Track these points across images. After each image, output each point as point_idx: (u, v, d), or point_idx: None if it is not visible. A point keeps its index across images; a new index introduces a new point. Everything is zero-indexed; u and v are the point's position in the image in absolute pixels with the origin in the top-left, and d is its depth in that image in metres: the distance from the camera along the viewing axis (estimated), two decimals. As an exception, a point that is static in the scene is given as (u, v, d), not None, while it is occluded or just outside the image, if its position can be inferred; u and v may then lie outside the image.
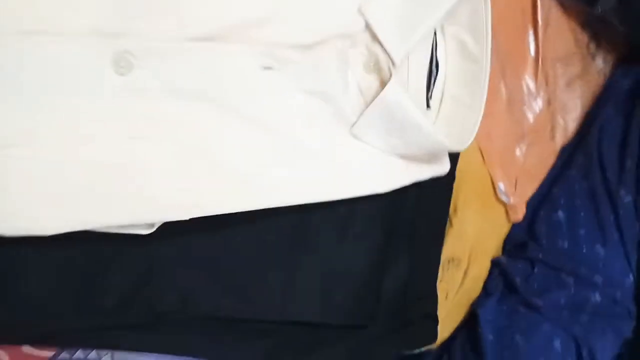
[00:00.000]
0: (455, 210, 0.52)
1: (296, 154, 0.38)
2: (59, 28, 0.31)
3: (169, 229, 0.35)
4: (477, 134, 0.50)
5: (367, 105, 0.39)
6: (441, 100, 0.43)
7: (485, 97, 0.41)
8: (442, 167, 0.43)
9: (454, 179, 0.50)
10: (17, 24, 0.31)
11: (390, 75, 0.38)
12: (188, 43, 0.33)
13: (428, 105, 0.43)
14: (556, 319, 0.50)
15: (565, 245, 0.52)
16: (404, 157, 0.41)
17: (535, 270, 0.52)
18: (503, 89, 0.54)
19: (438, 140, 0.39)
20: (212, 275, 0.40)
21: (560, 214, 0.53)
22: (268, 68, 0.35)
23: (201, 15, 0.33)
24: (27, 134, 0.32)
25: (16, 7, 0.30)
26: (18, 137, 0.32)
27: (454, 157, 0.48)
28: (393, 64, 0.38)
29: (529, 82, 0.54)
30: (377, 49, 0.39)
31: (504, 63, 0.53)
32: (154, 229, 0.34)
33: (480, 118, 0.40)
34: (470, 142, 0.40)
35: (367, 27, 0.38)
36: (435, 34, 0.42)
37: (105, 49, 0.32)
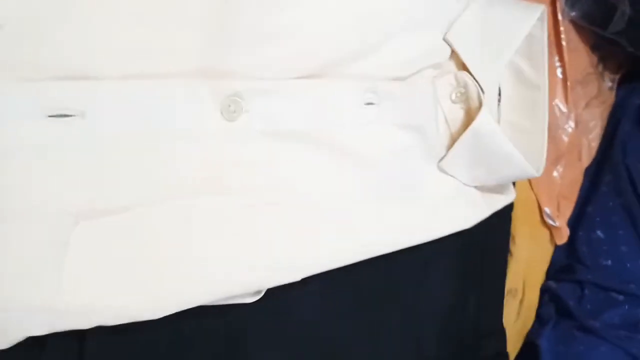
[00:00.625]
0: (513, 240, 0.51)
1: (397, 192, 0.36)
2: (164, 69, 0.28)
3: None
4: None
5: (452, 136, 0.38)
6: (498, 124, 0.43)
7: (547, 122, 0.41)
8: (510, 196, 0.43)
9: (512, 208, 0.48)
10: (122, 68, 0.27)
11: (480, 104, 0.37)
12: (294, 81, 0.31)
13: None
14: (614, 339, 0.50)
15: (609, 263, 0.53)
16: (480, 188, 0.40)
17: (586, 291, 0.52)
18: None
19: (525, 166, 0.37)
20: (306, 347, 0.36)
21: (599, 232, 0.54)
22: (370, 104, 0.33)
23: (305, 50, 0.31)
24: (129, 201, 0.28)
25: (119, 48, 0.27)
26: (119, 202, 0.28)
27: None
28: (482, 91, 0.37)
29: (560, 104, 0.54)
30: (464, 76, 0.38)
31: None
32: (260, 295, 0.30)
33: (545, 142, 0.40)
34: (543, 167, 0.39)
35: (453, 55, 0.37)
36: None
37: (214, 92, 0.29)
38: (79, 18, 0.26)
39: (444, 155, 0.37)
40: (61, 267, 0.26)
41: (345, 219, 0.33)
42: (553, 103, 0.54)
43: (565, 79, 0.54)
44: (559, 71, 0.54)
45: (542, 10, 0.38)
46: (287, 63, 0.30)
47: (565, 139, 0.54)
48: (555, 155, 0.54)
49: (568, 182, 0.55)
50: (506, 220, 0.49)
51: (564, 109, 0.54)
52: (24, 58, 0.25)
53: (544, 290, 0.53)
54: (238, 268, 0.29)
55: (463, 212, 0.39)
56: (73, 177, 0.27)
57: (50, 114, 0.26)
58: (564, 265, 0.54)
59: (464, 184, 0.39)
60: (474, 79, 0.37)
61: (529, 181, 0.53)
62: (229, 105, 0.29)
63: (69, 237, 0.26)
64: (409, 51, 0.34)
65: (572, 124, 0.55)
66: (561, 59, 0.54)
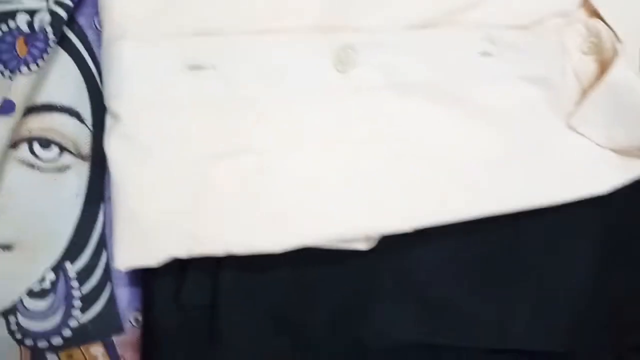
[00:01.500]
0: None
1: (521, 148, 0.36)
2: (280, 25, 0.31)
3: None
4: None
5: (584, 91, 0.37)
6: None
7: None
8: None
9: None
10: (248, 26, 0.31)
11: (615, 53, 0.36)
12: (406, 32, 0.32)
13: None
14: None
15: None
16: (619, 152, 0.38)
17: None
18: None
19: None
20: (419, 300, 0.37)
21: None
22: (487, 54, 0.34)
23: (416, 2, 0.33)
24: (256, 145, 0.31)
25: (246, 8, 0.31)
26: (247, 146, 0.31)
27: None
28: (619, 40, 0.36)
29: None
30: (598, 24, 0.36)
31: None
32: (374, 243, 0.33)
33: None
34: None
35: (585, 2, 0.36)
36: None
37: (326, 45, 0.31)
38: None
39: (574, 112, 0.37)
40: (203, 201, 0.30)
41: (467, 174, 0.34)
42: None
43: None
44: None
45: None
46: (399, 13, 0.32)
47: None
48: None
49: None
50: None
51: None
52: (168, 17, 0.30)
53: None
54: (353, 211, 0.32)
55: (597, 175, 0.38)
56: (211, 123, 0.30)
57: (189, 65, 0.30)
58: None
59: (599, 145, 0.38)
60: (609, 27, 0.36)
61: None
62: (342, 58, 0.31)
63: (210, 174, 0.30)
64: None
65: None
66: None
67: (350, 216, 0.32)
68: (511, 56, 0.34)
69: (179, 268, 0.34)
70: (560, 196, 0.37)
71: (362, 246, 0.33)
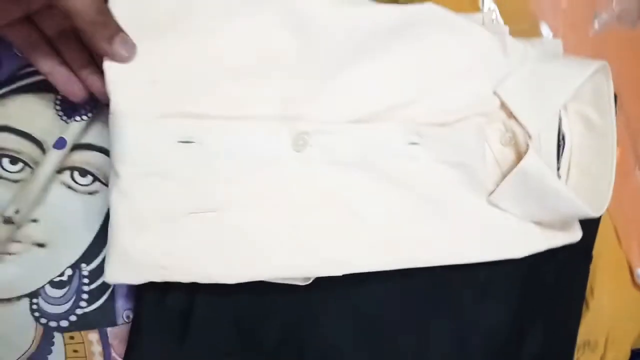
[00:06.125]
0: (591, 292, 0.52)
1: (437, 215, 0.40)
2: (250, 112, 0.36)
3: (318, 283, 0.37)
4: (614, 218, 0.51)
5: (503, 175, 0.41)
6: (568, 171, 0.45)
7: (614, 167, 0.43)
8: (574, 235, 0.44)
9: (591, 259, 0.50)
10: (227, 112, 0.35)
11: (527, 147, 0.40)
12: (348, 124, 0.37)
13: (558, 176, 0.45)
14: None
15: None
16: (539, 223, 0.43)
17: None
18: (638, 174, 0.54)
19: (577, 204, 0.40)
20: (356, 328, 0.42)
21: None
22: (414, 143, 0.39)
23: (360, 102, 0.37)
24: (223, 203, 0.36)
25: (224, 98, 0.35)
26: (215, 204, 0.36)
27: (590, 239, 0.48)
28: (530, 137, 0.41)
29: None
30: (513, 124, 0.42)
31: (639, 150, 0.54)
32: (309, 282, 0.37)
33: (610, 186, 0.42)
34: (605, 208, 0.41)
35: (503, 106, 0.41)
36: (559, 111, 0.44)
37: (286, 131, 0.36)
38: (198, 82, 0.34)
39: (495, 191, 0.41)
40: (174, 242, 0.34)
41: (391, 233, 0.38)
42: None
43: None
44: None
45: (598, 65, 0.41)
46: (344, 111, 0.37)
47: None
48: (654, 218, 0.54)
49: (672, 248, 0.55)
50: (581, 270, 0.50)
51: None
52: (164, 102, 0.33)
53: (636, 355, 0.53)
54: (292, 257, 0.36)
55: (513, 242, 0.42)
56: (188, 186, 0.34)
57: (179, 140, 0.34)
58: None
59: (518, 218, 0.42)
60: (522, 126, 0.41)
61: (620, 240, 0.54)
62: (299, 141, 0.36)
63: (182, 224, 0.34)
64: (451, 101, 0.39)
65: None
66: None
67: (291, 261, 0.36)
68: (434, 146, 0.39)
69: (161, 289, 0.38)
70: (479, 256, 0.41)
71: (301, 283, 0.38)
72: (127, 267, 0.33)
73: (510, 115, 0.41)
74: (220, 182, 0.35)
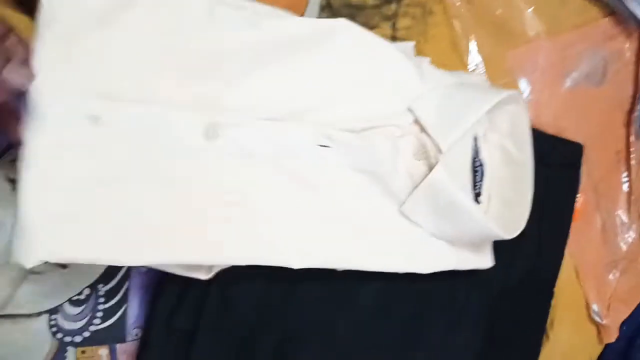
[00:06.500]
0: (552, 324, 0.57)
1: (341, 218, 0.40)
2: (164, 100, 0.36)
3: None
4: (575, 258, 0.57)
5: (415, 187, 0.41)
6: (489, 202, 0.47)
7: (531, 195, 0.44)
8: (485, 261, 0.45)
9: (552, 296, 0.55)
10: (138, 93, 0.35)
11: (437, 160, 0.41)
12: (260, 121, 0.38)
13: (478, 202, 0.46)
14: None
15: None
16: (453, 243, 0.43)
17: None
18: (598, 220, 0.61)
19: (486, 224, 0.41)
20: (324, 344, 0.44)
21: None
22: (324, 146, 0.39)
23: (271, 101, 0.38)
24: (123, 181, 0.35)
25: (137, 80, 0.36)
26: (118, 183, 0.36)
27: (552, 280, 0.53)
28: (440, 151, 0.41)
29: (622, 215, 0.60)
30: (425, 138, 0.42)
31: (599, 197, 0.60)
32: (211, 274, 0.38)
33: (526, 213, 0.43)
34: (517, 232, 0.42)
35: (416, 121, 0.42)
36: (476, 139, 0.46)
37: (200, 120, 0.36)
38: (114, 63, 0.35)
39: (404, 201, 0.41)
40: (77, 213, 0.33)
41: (296, 231, 0.38)
42: (615, 213, 0.61)
43: (630, 193, 0.61)
44: (625, 185, 0.61)
45: (509, 94, 0.43)
46: (257, 107, 0.37)
47: (624, 246, 0.61)
48: (610, 259, 0.60)
49: (628, 287, 0.60)
50: (542, 304, 0.55)
51: (626, 220, 0.61)
52: (78, 82, 0.34)
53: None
54: (194, 244, 0.36)
55: (419, 256, 0.42)
56: (99, 165, 0.34)
57: (88, 117, 0.34)
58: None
59: (431, 234, 0.42)
60: (434, 141, 0.42)
61: (579, 278, 0.60)
62: (209, 131, 0.36)
63: (87, 197, 0.34)
64: (359, 110, 0.40)
65: (632, 234, 0.61)
66: (629, 175, 0.61)
67: (190, 248, 0.36)
68: (346, 151, 0.39)
69: (176, 299, 0.41)
70: (381, 266, 0.41)
71: (204, 276, 0.37)
72: (32, 242, 0.32)
73: (423, 130, 0.42)
74: (122, 161, 0.35)
